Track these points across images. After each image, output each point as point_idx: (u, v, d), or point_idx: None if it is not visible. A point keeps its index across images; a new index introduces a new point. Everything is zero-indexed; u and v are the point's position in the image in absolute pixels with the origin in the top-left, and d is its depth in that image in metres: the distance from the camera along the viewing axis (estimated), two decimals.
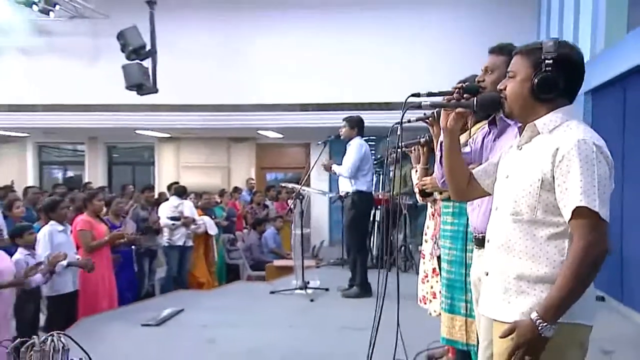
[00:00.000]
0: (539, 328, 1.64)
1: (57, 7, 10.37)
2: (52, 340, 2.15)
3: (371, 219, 7.11)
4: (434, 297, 3.93)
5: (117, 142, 14.21)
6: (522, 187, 1.80)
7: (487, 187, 2.07)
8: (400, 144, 2.69)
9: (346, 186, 5.90)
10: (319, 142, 6.44)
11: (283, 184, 10.19)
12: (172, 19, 10.21)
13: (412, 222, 8.37)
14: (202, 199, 8.67)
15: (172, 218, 7.67)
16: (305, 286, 5.99)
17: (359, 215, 5.90)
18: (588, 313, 1.79)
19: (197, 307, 5.50)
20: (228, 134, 12.94)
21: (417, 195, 3.59)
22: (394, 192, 7.79)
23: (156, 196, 8.77)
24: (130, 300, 6.42)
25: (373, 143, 10.57)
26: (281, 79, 10.51)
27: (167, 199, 8.26)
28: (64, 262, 5.16)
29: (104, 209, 6.47)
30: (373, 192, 6.38)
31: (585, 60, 1.90)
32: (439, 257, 3.46)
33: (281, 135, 12.79)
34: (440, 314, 3.39)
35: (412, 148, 3.52)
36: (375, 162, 7.59)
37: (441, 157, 2.19)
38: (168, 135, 13.29)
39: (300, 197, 6.07)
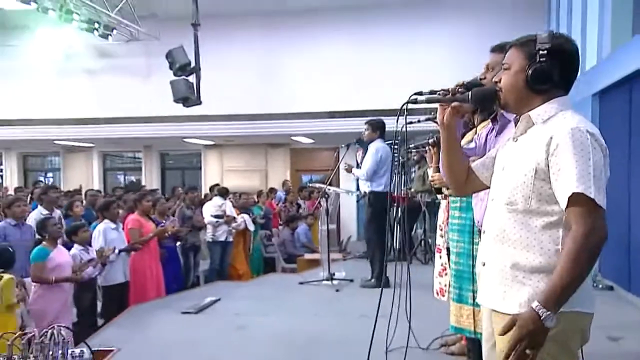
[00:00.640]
0: (542, 317, 1.45)
1: (115, 31, 10.60)
2: (53, 334, 2.01)
3: (392, 216, 6.92)
4: None
5: (169, 150, 14.37)
6: (517, 177, 1.63)
7: (485, 180, 1.89)
8: (406, 142, 2.53)
9: (364, 187, 5.77)
10: (342, 145, 6.34)
11: (310, 184, 10.09)
12: (215, 39, 10.33)
13: (432, 218, 8.13)
14: (240, 199, 8.64)
15: (216, 216, 7.66)
16: (331, 277, 5.86)
17: (375, 213, 5.72)
18: (588, 300, 1.61)
19: (232, 297, 5.42)
20: (265, 140, 12.92)
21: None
22: (415, 190, 7.65)
23: (202, 197, 8.80)
24: (176, 290, 6.40)
25: (397, 146, 10.42)
26: (311, 90, 10.63)
27: (211, 199, 8.25)
28: (113, 256, 5.20)
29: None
30: (390, 191, 6.21)
31: (592, 64, 1.71)
32: (448, 250, 3.29)
33: (312, 141, 12.72)
34: None
35: (427, 148, 3.36)
36: (396, 162, 7.42)
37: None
38: (213, 143, 13.36)
39: (326, 196, 5.96)
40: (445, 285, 3.86)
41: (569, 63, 1.66)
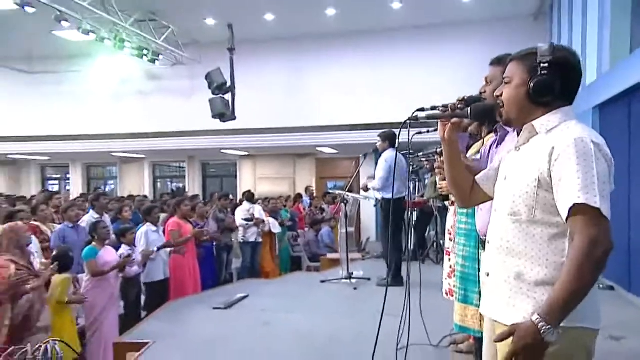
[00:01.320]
0: (542, 331, 1.25)
1: (161, 57, 10.74)
2: (46, 349, 1.78)
3: (406, 220, 6.72)
4: None
5: (209, 160, 14.43)
6: (520, 187, 1.44)
7: (489, 191, 1.69)
8: (408, 153, 2.39)
9: (377, 194, 5.60)
10: (361, 155, 6.22)
11: (331, 191, 9.98)
12: (248, 61, 10.43)
13: (443, 221, 7.87)
14: (270, 204, 8.57)
15: (246, 219, 7.59)
16: (350, 276, 5.69)
17: (386, 218, 5.55)
18: (594, 316, 1.38)
19: (260, 294, 5.30)
20: (293, 151, 12.87)
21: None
22: (428, 196, 7.43)
23: (236, 202, 8.77)
24: (211, 287, 6.34)
25: (412, 156, 10.26)
26: (334, 105, 10.65)
27: (241, 204, 8.20)
28: (153, 255, 5.17)
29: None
30: (403, 198, 6.01)
31: (592, 79, 1.52)
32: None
33: (335, 151, 12.61)
34: None
35: (435, 158, 3.20)
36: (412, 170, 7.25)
37: None
38: (247, 153, 13.37)
39: (345, 201, 5.81)
40: (454, 287, 3.67)
41: (571, 74, 1.47)
